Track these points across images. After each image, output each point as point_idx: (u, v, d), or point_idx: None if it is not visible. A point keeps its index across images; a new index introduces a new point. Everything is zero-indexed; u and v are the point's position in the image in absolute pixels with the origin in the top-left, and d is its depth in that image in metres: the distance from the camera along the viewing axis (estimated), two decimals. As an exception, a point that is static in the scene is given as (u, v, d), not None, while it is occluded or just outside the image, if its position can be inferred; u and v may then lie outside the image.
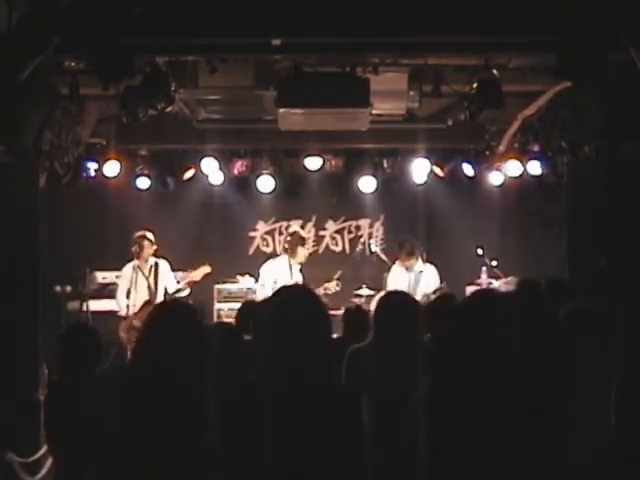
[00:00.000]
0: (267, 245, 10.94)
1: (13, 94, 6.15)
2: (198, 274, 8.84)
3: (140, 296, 8.59)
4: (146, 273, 8.73)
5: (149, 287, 8.65)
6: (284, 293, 2.86)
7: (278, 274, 8.93)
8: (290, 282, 8.70)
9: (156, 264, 8.76)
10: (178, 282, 8.89)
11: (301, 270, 9.17)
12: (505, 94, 7.05)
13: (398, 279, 9.12)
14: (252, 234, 10.96)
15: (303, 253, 9.20)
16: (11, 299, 6.66)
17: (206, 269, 8.89)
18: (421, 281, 9.09)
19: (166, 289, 8.79)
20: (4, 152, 6.60)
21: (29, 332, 6.93)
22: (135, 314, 8.42)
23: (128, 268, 8.80)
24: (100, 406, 2.90)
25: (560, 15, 5.87)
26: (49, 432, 3.12)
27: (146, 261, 8.74)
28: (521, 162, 9.72)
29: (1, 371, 6.35)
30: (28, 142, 6.99)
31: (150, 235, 8.81)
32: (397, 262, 9.39)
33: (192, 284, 9.00)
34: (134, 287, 8.61)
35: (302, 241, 9.35)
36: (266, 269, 9.13)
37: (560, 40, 6.00)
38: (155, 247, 8.82)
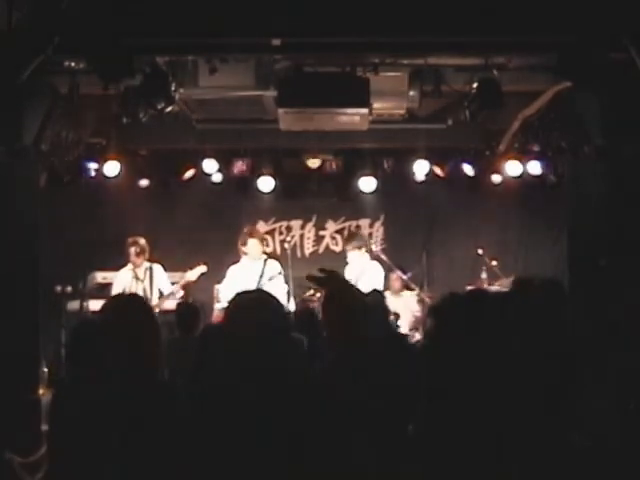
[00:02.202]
0: (267, 245, 10.92)
1: (13, 94, 6.16)
2: (194, 274, 8.80)
3: None
4: (141, 277, 8.71)
5: (144, 290, 8.63)
6: (238, 299, 2.92)
7: (239, 278, 8.79)
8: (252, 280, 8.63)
9: (150, 268, 8.73)
10: (173, 284, 8.84)
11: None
12: (505, 94, 7.05)
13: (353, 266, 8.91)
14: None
15: (250, 249, 8.88)
16: (11, 299, 6.65)
17: (202, 269, 8.84)
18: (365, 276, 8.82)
19: (161, 292, 8.75)
20: (4, 152, 6.61)
21: (29, 332, 6.93)
22: None
23: (123, 272, 8.77)
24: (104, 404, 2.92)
25: (560, 15, 5.88)
26: (52, 430, 3.12)
27: (140, 265, 8.72)
28: (521, 162, 9.71)
29: (1, 371, 6.35)
30: (28, 142, 6.99)
31: (142, 241, 8.76)
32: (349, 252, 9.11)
33: (188, 285, 8.96)
34: (130, 291, 8.58)
35: (243, 238, 9.05)
36: (229, 275, 8.97)
37: (560, 40, 6.01)
38: (146, 254, 8.75)
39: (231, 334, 2.77)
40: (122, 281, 8.70)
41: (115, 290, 8.69)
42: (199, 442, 2.75)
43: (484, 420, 2.49)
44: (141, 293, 8.58)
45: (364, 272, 8.76)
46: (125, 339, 2.98)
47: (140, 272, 8.70)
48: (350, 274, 8.69)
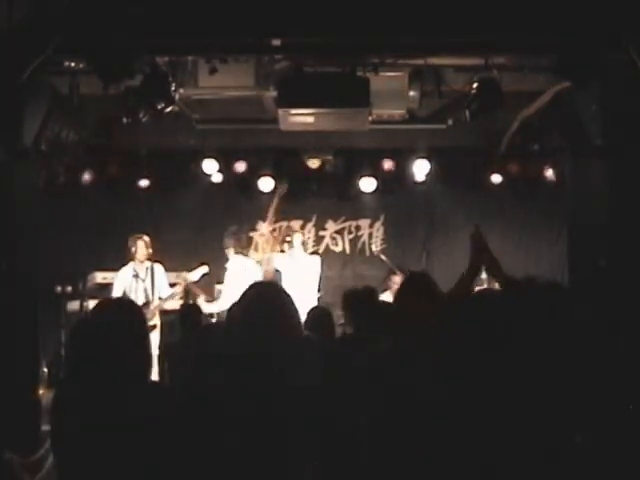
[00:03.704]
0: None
1: (13, 94, 6.16)
2: (195, 275, 8.78)
3: (137, 299, 8.50)
4: (142, 276, 8.66)
5: (145, 290, 8.59)
6: (252, 289, 2.92)
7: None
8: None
9: (152, 268, 8.68)
10: (172, 285, 8.79)
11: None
12: (505, 94, 7.05)
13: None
14: (252, 234, 10.96)
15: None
16: (11, 299, 6.65)
17: (203, 269, 8.82)
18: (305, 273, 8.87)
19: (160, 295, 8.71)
20: (4, 152, 6.61)
21: (29, 332, 6.93)
22: None
23: (124, 271, 8.72)
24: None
25: (560, 15, 5.88)
26: (56, 432, 3.12)
27: (142, 264, 8.67)
28: (521, 162, 9.70)
29: (1, 371, 6.34)
30: (28, 142, 6.99)
31: (146, 237, 8.73)
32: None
33: (189, 286, 8.93)
34: (131, 290, 8.55)
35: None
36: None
37: (560, 40, 6.01)
38: (150, 250, 8.71)
39: (235, 331, 2.77)
40: (123, 280, 8.65)
41: (116, 289, 8.65)
42: (198, 443, 2.75)
43: (489, 422, 2.49)
44: (142, 293, 8.55)
45: (303, 268, 8.81)
46: (115, 341, 2.98)
47: (142, 271, 8.64)
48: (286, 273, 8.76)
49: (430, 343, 3.06)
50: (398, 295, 3.69)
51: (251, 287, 3.02)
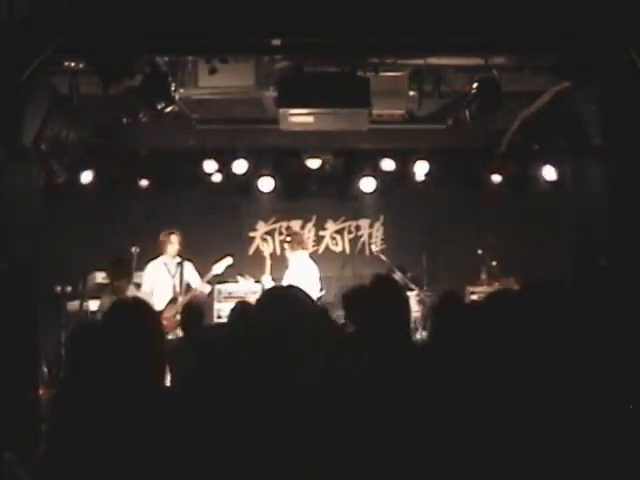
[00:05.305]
0: (267, 245, 10.94)
1: (13, 94, 6.16)
2: (220, 267, 8.80)
3: (164, 294, 8.50)
4: (172, 272, 8.65)
5: (174, 286, 8.59)
6: (270, 292, 2.92)
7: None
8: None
9: (182, 264, 8.68)
10: (202, 276, 8.78)
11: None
12: (505, 94, 7.05)
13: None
14: (252, 234, 10.97)
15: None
16: (11, 299, 6.65)
17: (228, 261, 8.86)
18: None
19: (189, 284, 8.68)
20: (4, 152, 6.61)
21: (29, 332, 6.93)
22: (161, 312, 8.04)
23: (154, 265, 8.66)
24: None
25: (560, 15, 5.88)
26: (55, 432, 3.12)
27: (172, 259, 8.67)
28: (521, 162, 9.69)
29: (1, 371, 6.34)
30: (28, 142, 7.00)
31: (177, 233, 8.77)
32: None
33: (213, 280, 8.95)
34: (159, 284, 8.55)
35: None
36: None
37: (560, 40, 6.01)
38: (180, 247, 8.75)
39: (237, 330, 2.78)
40: (152, 274, 8.61)
41: (145, 283, 8.64)
42: (198, 444, 2.75)
43: (488, 422, 2.49)
44: (171, 288, 8.53)
45: (304, 271, 8.84)
46: (127, 342, 2.98)
47: (172, 266, 8.64)
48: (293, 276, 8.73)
49: (426, 343, 3.05)
50: (367, 298, 3.66)
51: (268, 290, 3.03)
